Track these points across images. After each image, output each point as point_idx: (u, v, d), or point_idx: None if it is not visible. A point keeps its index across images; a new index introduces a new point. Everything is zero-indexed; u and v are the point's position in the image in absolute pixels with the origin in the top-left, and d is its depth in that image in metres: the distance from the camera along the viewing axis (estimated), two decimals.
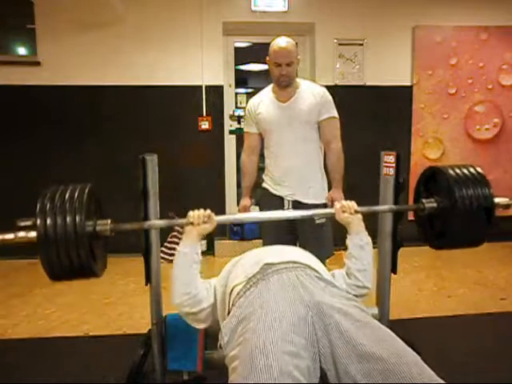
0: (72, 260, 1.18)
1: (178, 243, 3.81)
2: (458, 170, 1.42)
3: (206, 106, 3.96)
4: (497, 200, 1.39)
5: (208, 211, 1.45)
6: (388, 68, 4.10)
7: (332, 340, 1.04)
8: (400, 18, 4.07)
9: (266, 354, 0.96)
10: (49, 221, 1.16)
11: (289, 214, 1.97)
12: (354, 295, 1.42)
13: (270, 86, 2.24)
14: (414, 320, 2.60)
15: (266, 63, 2.18)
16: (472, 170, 1.43)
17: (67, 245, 1.17)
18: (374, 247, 1.76)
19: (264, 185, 2.32)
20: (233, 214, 1.82)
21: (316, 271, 1.32)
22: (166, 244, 3.79)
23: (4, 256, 3.77)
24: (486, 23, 4.11)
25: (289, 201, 2.21)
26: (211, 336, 1.67)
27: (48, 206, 1.19)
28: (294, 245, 2.28)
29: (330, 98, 2.19)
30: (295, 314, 1.08)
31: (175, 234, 3.83)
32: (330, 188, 2.29)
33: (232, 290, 1.32)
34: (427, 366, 0.98)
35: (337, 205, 1.51)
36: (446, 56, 4.11)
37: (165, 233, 3.72)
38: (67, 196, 1.22)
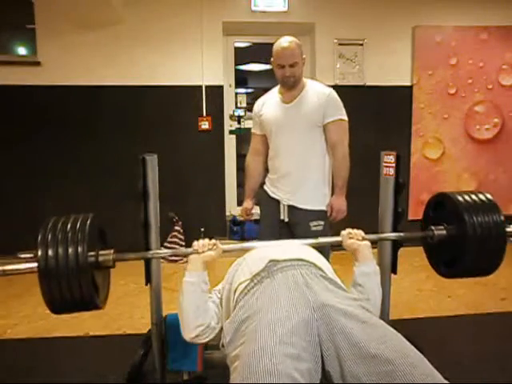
0: (73, 293, 1.15)
1: (178, 243, 3.84)
2: (467, 197, 1.38)
3: (205, 106, 3.96)
4: (509, 229, 1.35)
5: (213, 240, 1.42)
6: (388, 68, 4.10)
7: (337, 342, 1.03)
8: (400, 18, 4.07)
9: (267, 356, 0.96)
10: (50, 252, 1.12)
11: (297, 242, 1.62)
12: None
13: (277, 87, 2.18)
14: (414, 320, 2.60)
15: (266, 63, 2.17)
16: (482, 196, 1.39)
17: (68, 277, 1.13)
18: (373, 247, 1.76)
19: (264, 186, 2.27)
20: (240, 243, 1.70)
21: (321, 270, 1.31)
22: (165, 244, 3.79)
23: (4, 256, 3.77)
24: (486, 23, 4.10)
25: (284, 205, 2.13)
26: None
27: (49, 237, 1.15)
28: None
29: (336, 99, 2.08)
30: (298, 315, 1.07)
31: (175, 233, 3.83)
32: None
33: (237, 288, 1.31)
34: (432, 367, 0.98)
35: (343, 232, 1.49)
36: (446, 56, 4.11)
37: (165, 233, 3.72)
38: (69, 227, 1.17)
